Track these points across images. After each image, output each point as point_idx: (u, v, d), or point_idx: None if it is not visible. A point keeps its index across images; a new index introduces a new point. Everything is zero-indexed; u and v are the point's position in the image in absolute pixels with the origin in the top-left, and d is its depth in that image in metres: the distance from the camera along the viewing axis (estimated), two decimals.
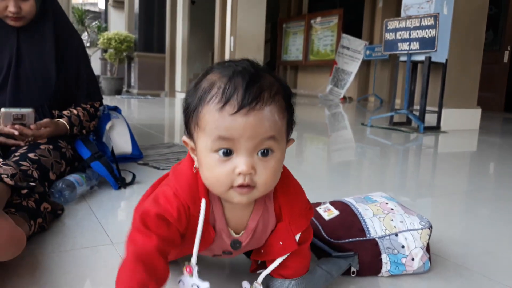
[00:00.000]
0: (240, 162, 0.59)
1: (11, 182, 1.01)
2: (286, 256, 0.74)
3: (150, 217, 0.66)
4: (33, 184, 1.11)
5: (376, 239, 0.93)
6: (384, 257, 0.92)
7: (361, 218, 0.96)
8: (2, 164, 1.05)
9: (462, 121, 4.02)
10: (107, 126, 1.78)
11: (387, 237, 0.93)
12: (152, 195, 0.70)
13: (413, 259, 0.92)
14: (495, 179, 2.13)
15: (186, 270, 0.69)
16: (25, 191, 1.07)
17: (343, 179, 2.02)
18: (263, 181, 0.61)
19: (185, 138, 0.68)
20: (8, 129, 1.34)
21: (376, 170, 2.25)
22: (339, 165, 2.43)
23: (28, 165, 1.20)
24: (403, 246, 0.92)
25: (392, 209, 1.00)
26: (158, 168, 1.81)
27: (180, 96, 7.84)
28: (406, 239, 0.93)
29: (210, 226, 0.70)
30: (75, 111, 1.57)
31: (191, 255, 0.71)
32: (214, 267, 0.94)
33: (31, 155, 1.26)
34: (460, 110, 4.02)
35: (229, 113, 0.58)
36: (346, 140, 3.47)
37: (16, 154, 1.26)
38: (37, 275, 0.88)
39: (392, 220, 0.96)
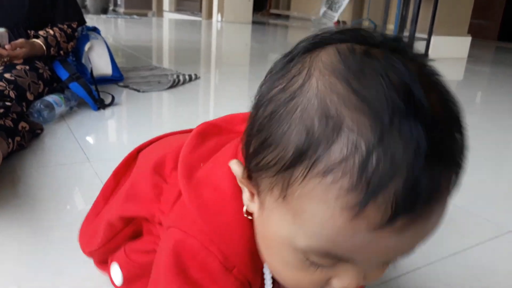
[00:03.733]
0: (345, 276, 0.34)
1: None
2: None
3: None
4: (10, 103, 1.15)
5: None
6: None
7: None
8: None
9: (451, 49, 3.99)
10: (86, 47, 1.77)
11: None
12: (165, 255, 0.42)
13: None
14: (477, 109, 2.19)
15: None
16: (1, 110, 1.10)
17: None
18: (368, 282, 0.37)
19: (236, 166, 0.38)
20: None
21: None
22: None
23: (4, 85, 1.22)
24: None
25: None
26: (138, 91, 1.83)
27: (168, 16, 7.59)
28: None
29: None
30: (51, 32, 1.56)
31: None
32: None
33: (7, 75, 1.27)
34: (450, 37, 3.97)
35: (369, 226, 0.28)
36: None
37: None
38: (17, 188, 0.95)
39: None
